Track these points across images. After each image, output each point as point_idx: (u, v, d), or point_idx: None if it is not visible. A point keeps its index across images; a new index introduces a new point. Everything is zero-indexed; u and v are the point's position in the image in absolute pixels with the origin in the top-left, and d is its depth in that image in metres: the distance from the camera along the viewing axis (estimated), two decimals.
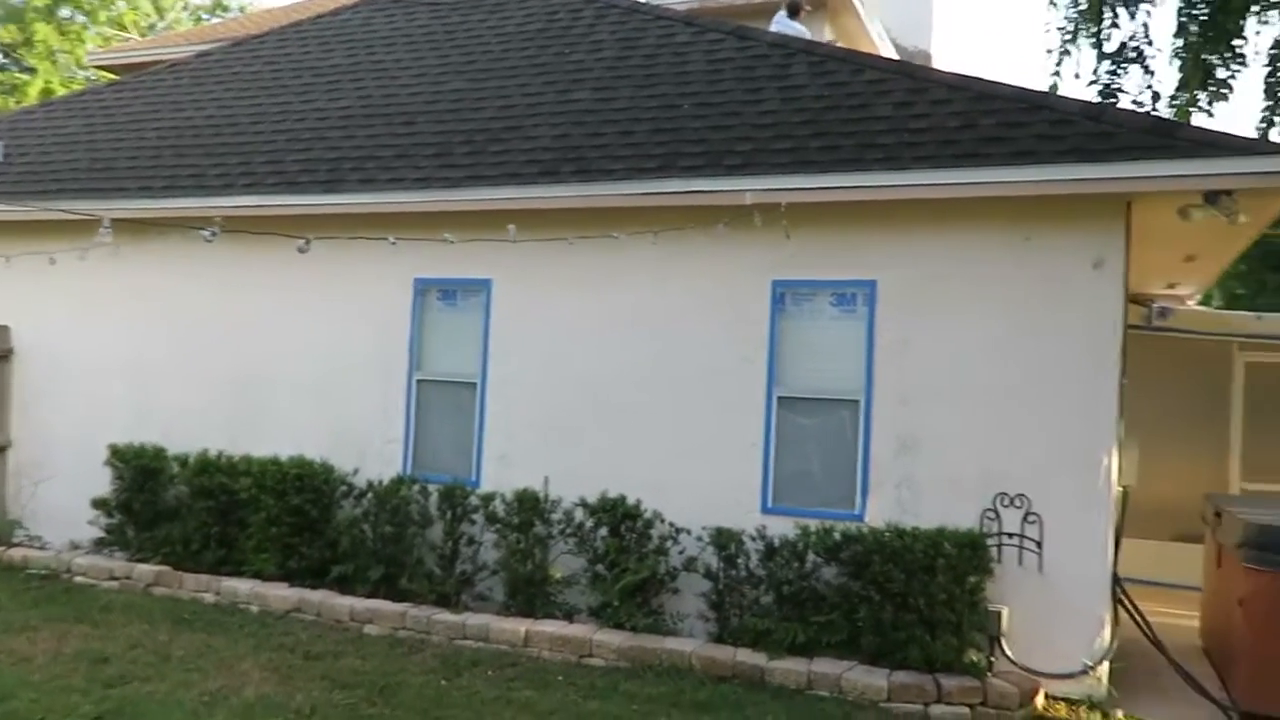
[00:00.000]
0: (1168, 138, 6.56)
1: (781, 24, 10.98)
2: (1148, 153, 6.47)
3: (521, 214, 7.89)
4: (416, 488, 8.23)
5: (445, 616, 7.61)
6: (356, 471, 8.51)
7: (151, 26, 27.57)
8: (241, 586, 8.25)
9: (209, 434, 9.12)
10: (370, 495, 8.31)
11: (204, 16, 29.29)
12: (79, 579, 8.82)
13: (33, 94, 23.69)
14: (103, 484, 9.24)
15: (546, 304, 8.29)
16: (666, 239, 7.64)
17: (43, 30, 24.31)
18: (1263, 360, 9.96)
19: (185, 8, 29.12)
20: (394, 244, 7.29)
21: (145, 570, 8.64)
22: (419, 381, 8.73)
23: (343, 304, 8.97)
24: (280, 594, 8.10)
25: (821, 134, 7.51)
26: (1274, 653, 6.42)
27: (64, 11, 25.79)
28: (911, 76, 7.84)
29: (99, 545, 9.22)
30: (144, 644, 7.09)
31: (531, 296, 8.33)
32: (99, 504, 9.14)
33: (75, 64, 25.55)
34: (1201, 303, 16.08)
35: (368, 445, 8.74)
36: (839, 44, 11.98)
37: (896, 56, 13.40)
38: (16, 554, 9.30)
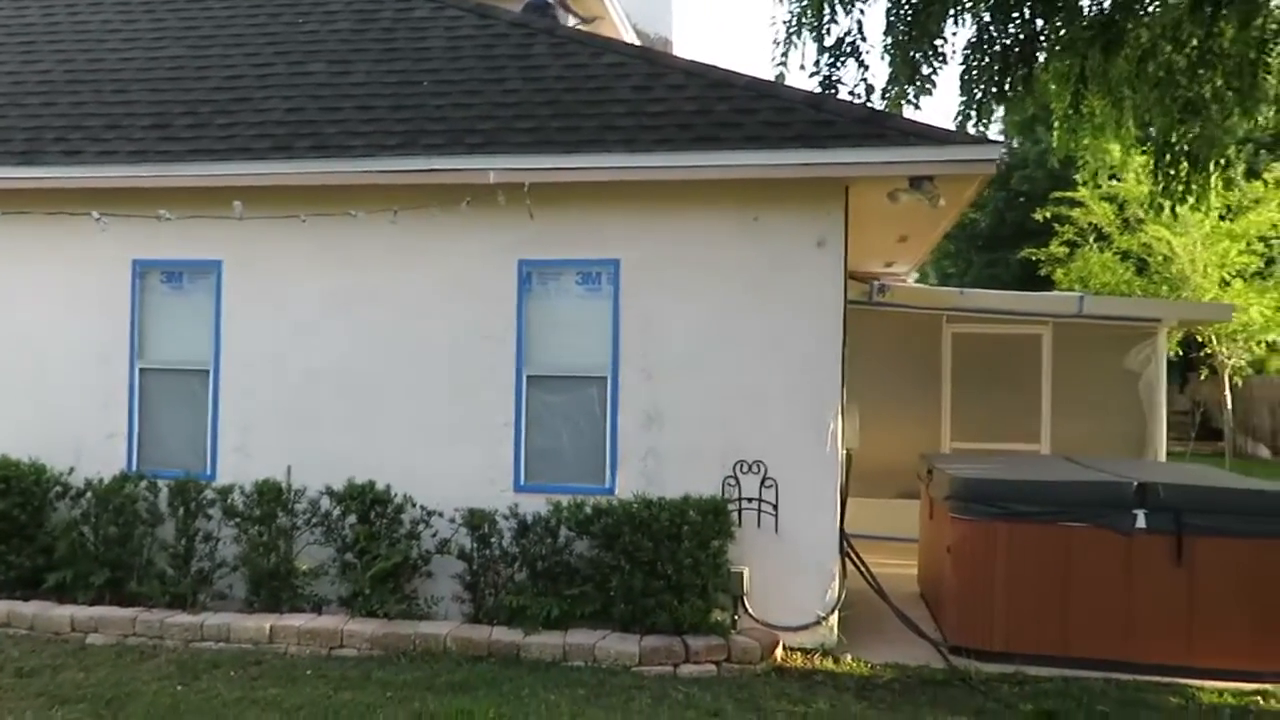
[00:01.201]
0: (880, 127, 7.13)
1: None
2: (863, 140, 7.01)
3: (253, 190, 7.50)
4: (144, 484, 7.68)
5: (181, 618, 7.17)
6: (72, 470, 7.83)
7: None
8: None
9: None
10: (90, 495, 7.68)
11: None
12: None
13: None
14: None
15: (284, 285, 7.93)
16: (410, 218, 7.49)
17: None
18: (966, 331, 11.00)
19: None
20: (99, 220, 6.70)
21: None
22: (142, 370, 8.12)
23: (50, 288, 8.19)
24: None
25: (563, 115, 7.60)
26: (976, 593, 7.17)
27: None
28: (650, 61, 8.08)
29: None
30: None
31: (267, 278, 7.94)
32: None
33: None
34: (919, 280, 17.59)
35: (84, 441, 8.05)
36: (583, 27, 12.11)
37: (638, 42, 13.71)
38: None
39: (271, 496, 7.49)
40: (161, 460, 8.02)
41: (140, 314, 8.11)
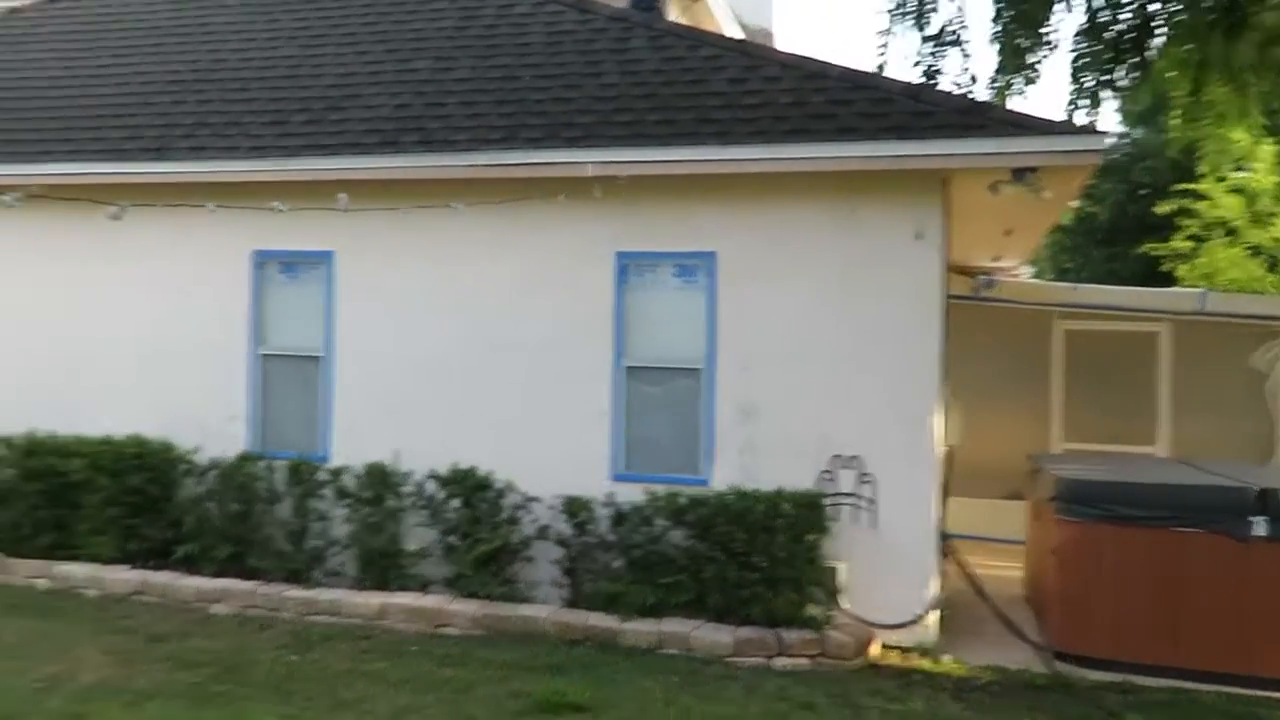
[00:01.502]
0: (980, 117, 7.00)
1: None
2: (962, 131, 6.89)
3: (363, 184, 7.80)
4: (263, 464, 8.08)
5: (296, 592, 7.53)
6: (198, 449, 8.28)
7: None
8: (78, 571, 7.96)
9: (37, 415, 8.67)
10: (214, 473, 8.12)
11: None
12: None
13: None
14: None
15: (390, 276, 8.23)
16: (510, 210, 7.68)
17: None
18: (1079, 328, 10.69)
19: None
20: (214, 211, 7.05)
21: None
22: (263, 356, 8.53)
23: (178, 278, 8.68)
24: (121, 577, 7.85)
25: (660, 108, 7.68)
26: (1081, 597, 6.99)
27: None
28: (746, 54, 8.09)
29: None
30: None
31: (375, 269, 8.25)
32: None
33: None
34: (1035, 275, 17.12)
35: (209, 422, 8.50)
36: (684, 20, 12.17)
37: (740, 34, 13.68)
38: None
39: (380, 479, 7.79)
40: (278, 442, 8.41)
41: (259, 302, 8.53)
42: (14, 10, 11.17)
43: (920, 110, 7.09)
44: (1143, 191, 23.74)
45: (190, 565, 7.99)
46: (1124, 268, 24.14)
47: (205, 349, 8.58)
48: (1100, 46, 7.42)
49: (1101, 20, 7.39)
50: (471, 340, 8.03)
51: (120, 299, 8.80)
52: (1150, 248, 19.68)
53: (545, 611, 7.22)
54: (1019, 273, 12.66)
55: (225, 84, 9.08)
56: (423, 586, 7.74)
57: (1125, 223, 24.77)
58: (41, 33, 10.55)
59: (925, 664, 6.95)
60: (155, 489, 8.14)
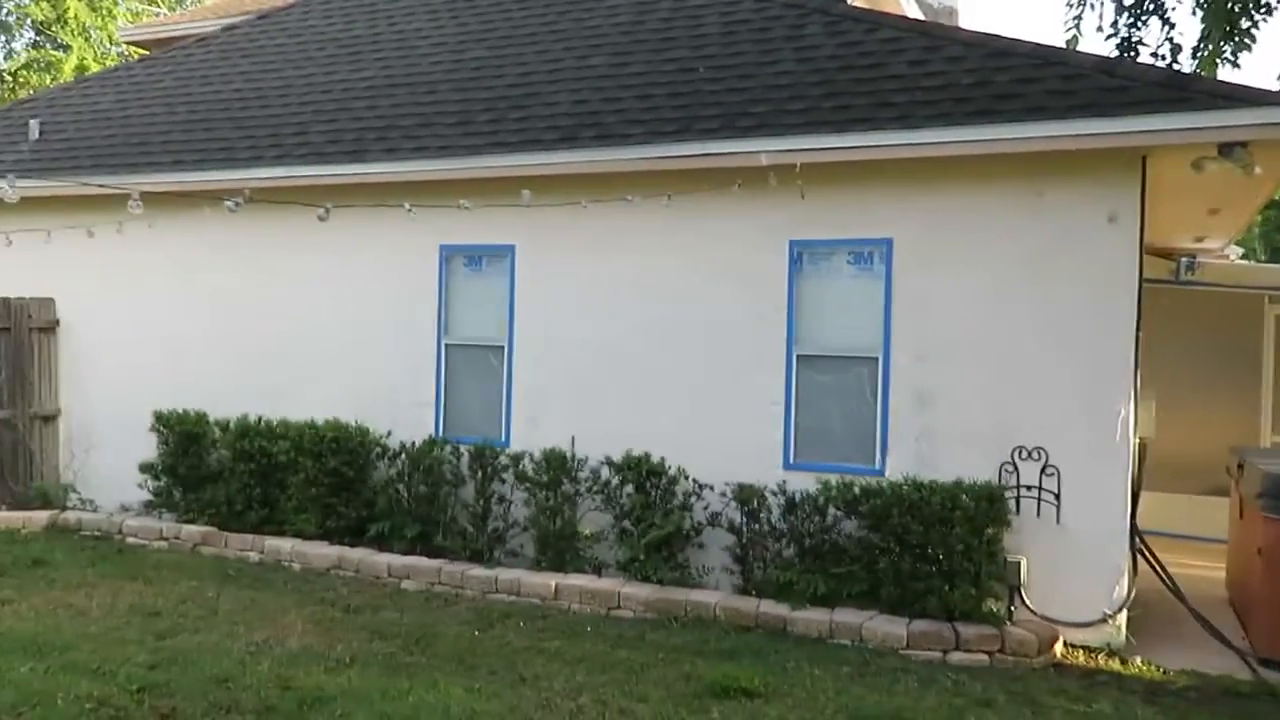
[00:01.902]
0: (1182, 90, 6.57)
1: None
2: (1162, 106, 6.49)
3: (542, 179, 8.07)
4: (449, 448, 8.49)
5: (478, 572, 7.88)
6: (390, 434, 8.78)
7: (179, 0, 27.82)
8: (283, 545, 8.59)
9: (246, 400, 9.43)
10: (404, 456, 8.59)
11: None
12: (130, 540, 9.22)
13: (68, 71, 24.07)
14: (146, 449, 9.61)
15: (568, 268, 8.47)
16: (684, 201, 7.77)
17: (75, 7, 24.63)
18: None
19: None
20: (410, 211, 7.47)
21: (192, 531, 9.01)
22: (448, 345, 8.96)
23: (371, 272, 9.21)
24: (320, 552, 8.42)
25: (835, 94, 7.58)
26: None
27: None
28: (927, 34, 7.87)
29: (148, 507, 9.60)
30: (193, 599, 7.43)
31: (553, 261, 8.51)
32: (146, 468, 9.50)
33: (108, 40, 25.88)
34: (1244, 257, 15.92)
35: (398, 408, 9.01)
36: (862, 3, 11.94)
37: (921, 15, 13.32)
38: (71, 516, 9.71)
39: (557, 464, 8.05)
40: (462, 427, 8.82)
41: (446, 294, 8.95)
42: (227, 28, 12.09)
43: (1114, 85, 6.72)
44: None
45: (381, 543, 8.49)
46: None
47: (396, 339, 9.08)
48: None
49: None
50: (646, 329, 8.18)
51: (319, 293, 9.42)
52: None
53: (716, 597, 7.30)
54: (1226, 254, 11.83)
55: (415, 87, 9.56)
56: (596, 569, 7.96)
57: None
58: (251, 47, 11.38)
59: (1114, 665, 6.65)
60: (351, 471, 8.68)
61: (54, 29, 25.69)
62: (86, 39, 25.49)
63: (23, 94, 25.85)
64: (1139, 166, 6.84)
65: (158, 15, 25.80)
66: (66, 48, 24.90)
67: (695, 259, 8.01)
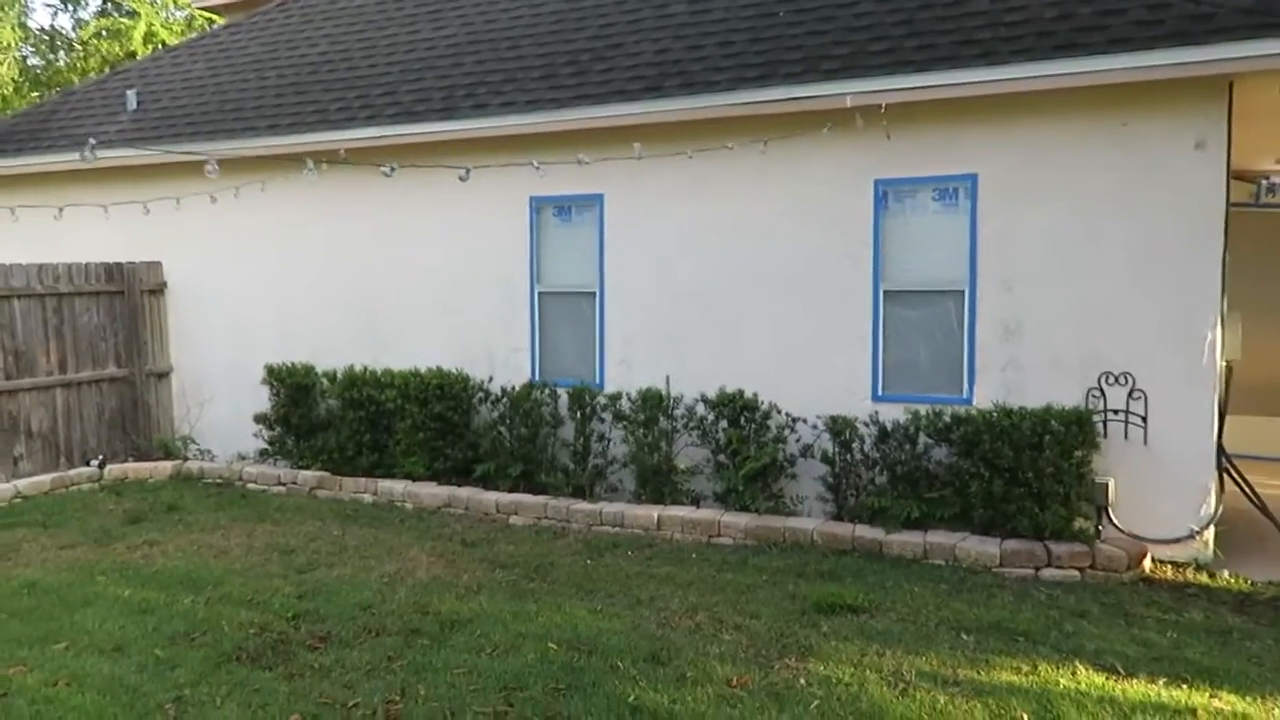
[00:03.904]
0: (1269, 15, 6.61)
1: None
2: (1250, 32, 6.54)
3: (630, 129, 8.33)
4: (546, 391, 8.90)
5: (583, 506, 8.33)
6: (491, 379, 9.21)
7: None
8: (396, 486, 9.11)
9: (349, 351, 9.95)
10: (505, 400, 9.02)
11: None
12: (250, 485, 9.83)
13: (136, 38, 24.62)
14: (256, 402, 10.20)
15: (656, 215, 8.75)
16: (770, 146, 8.00)
17: None
18: None
19: None
20: (539, 168, 7.87)
21: (308, 475, 9.58)
22: (540, 294, 9.33)
23: (465, 225, 9.57)
24: (431, 491, 8.93)
25: (917, 34, 7.71)
26: None
27: None
28: None
29: (262, 455, 10.20)
30: (320, 537, 7.98)
31: (641, 209, 8.80)
32: (260, 419, 10.08)
33: (174, 4, 26.38)
34: None
35: (496, 355, 9.44)
36: None
37: None
38: (193, 466, 10.35)
39: (654, 402, 8.42)
40: (557, 371, 9.22)
41: (537, 244, 9.30)
42: None
43: (1200, 13, 6.78)
44: None
45: (487, 482, 8.97)
46: None
47: (491, 288, 9.47)
48: None
49: None
50: (734, 272, 8.46)
51: (416, 246, 9.83)
52: None
53: (812, 524, 7.66)
54: None
55: (497, 44, 9.83)
56: (694, 501, 8.36)
57: None
58: (333, 9, 11.72)
59: (1201, 579, 6.90)
60: (455, 415, 9.14)
61: None
62: (152, 4, 26.01)
63: (93, 61, 26.53)
64: (1225, 93, 6.92)
65: None
66: (134, 14, 25.43)
67: (782, 201, 8.25)
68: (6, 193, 11.66)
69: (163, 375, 11.26)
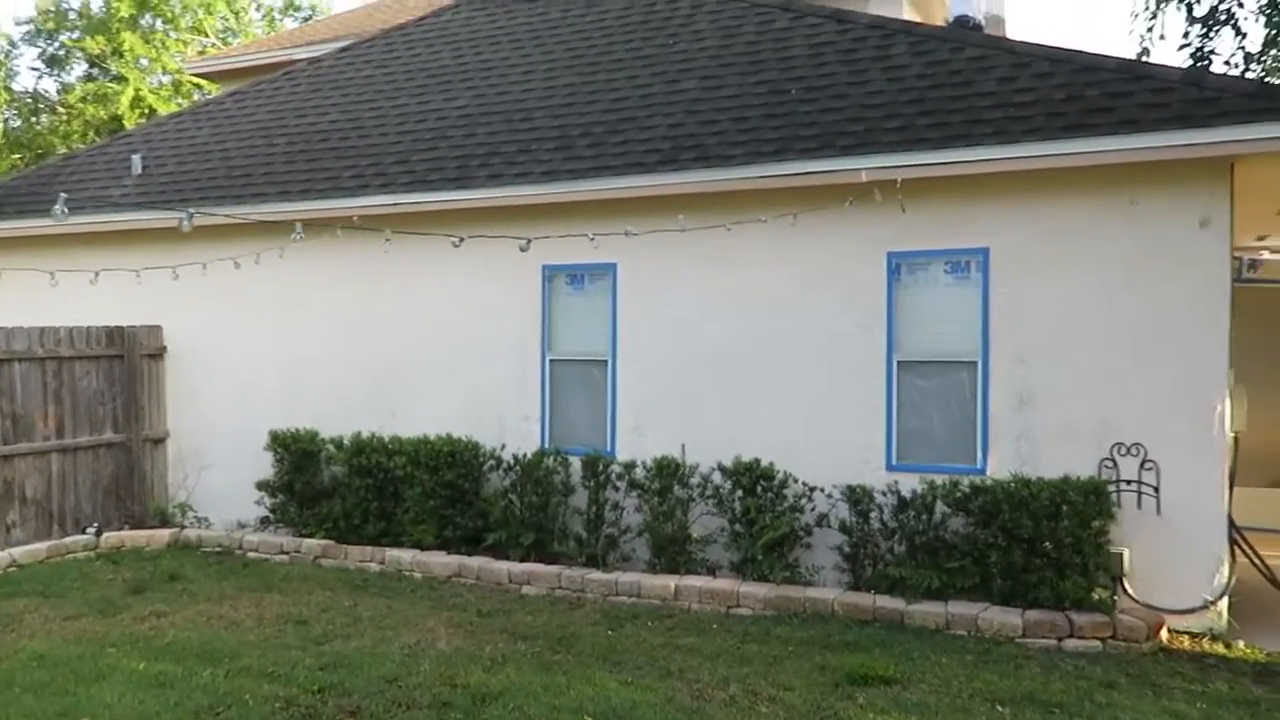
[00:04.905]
0: (1270, 100, 6.91)
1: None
2: (1252, 116, 6.83)
3: (645, 201, 8.48)
4: (558, 459, 8.89)
5: (597, 575, 8.28)
6: (504, 446, 9.19)
7: (228, 30, 28.51)
8: (404, 555, 9.02)
9: (356, 418, 9.88)
10: (516, 468, 8.99)
11: (276, 18, 30.18)
12: (252, 554, 9.68)
13: (124, 103, 24.74)
14: (257, 468, 10.07)
15: (670, 284, 8.86)
16: (782, 219, 8.16)
17: (130, 39, 25.32)
18: None
19: (258, 7, 30.02)
20: (525, 249, 7.99)
21: (313, 544, 9.46)
22: (552, 361, 9.37)
23: (477, 293, 9.63)
24: (441, 561, 8.84)
25: (929, 112, 7.96)
26: None
27: (146, 20, 26.82)
28: (1012, 52, 8.24)
29: (263, 523, 10.07)
30: (333, 608, 7.86)
31: (655, 278, 8.91)
32: (262, 485, 9.96)
33: (161, 70, 26.57)
34: None
35: (507, 422, 9.43)
36: (914, 11, 12.31)
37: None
38: (191, 534, 10.19)
39: (669, 471, 8.44)
40: (568, 439, 9.23)
41: (549, 312, 9.37)
42: (312, 61, 12.59)
43: (1203, 98, 7.07)
44: None
45: (497, 551, 8.90)
46: None
47: (502, 356, 9.50)
48: None
49: None
50: (747, 342, 8.57)
51: (426, 313, 9.86)
52: None
53: (832, 594, 7.67)
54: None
55: (510, 115, 10.00)
56: (710, 570, 8.34)
57: None
58: (340, 79, 11.87)
59: (1218, 649, 6.97)
60: (465, 483, 9.10)
61: (108, 61, 26.39)
62: (141, 71, 26.17)
63: (76, 124, 26.56)
64: (1228, 173, 7.19)
65: (201, 49, 26.48)
66: (122, 79, 25.57)
67: (795, 272, 8.40)
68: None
69: (159, 441, 11.12)
